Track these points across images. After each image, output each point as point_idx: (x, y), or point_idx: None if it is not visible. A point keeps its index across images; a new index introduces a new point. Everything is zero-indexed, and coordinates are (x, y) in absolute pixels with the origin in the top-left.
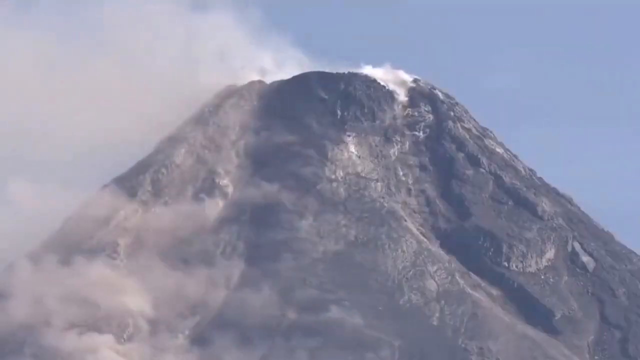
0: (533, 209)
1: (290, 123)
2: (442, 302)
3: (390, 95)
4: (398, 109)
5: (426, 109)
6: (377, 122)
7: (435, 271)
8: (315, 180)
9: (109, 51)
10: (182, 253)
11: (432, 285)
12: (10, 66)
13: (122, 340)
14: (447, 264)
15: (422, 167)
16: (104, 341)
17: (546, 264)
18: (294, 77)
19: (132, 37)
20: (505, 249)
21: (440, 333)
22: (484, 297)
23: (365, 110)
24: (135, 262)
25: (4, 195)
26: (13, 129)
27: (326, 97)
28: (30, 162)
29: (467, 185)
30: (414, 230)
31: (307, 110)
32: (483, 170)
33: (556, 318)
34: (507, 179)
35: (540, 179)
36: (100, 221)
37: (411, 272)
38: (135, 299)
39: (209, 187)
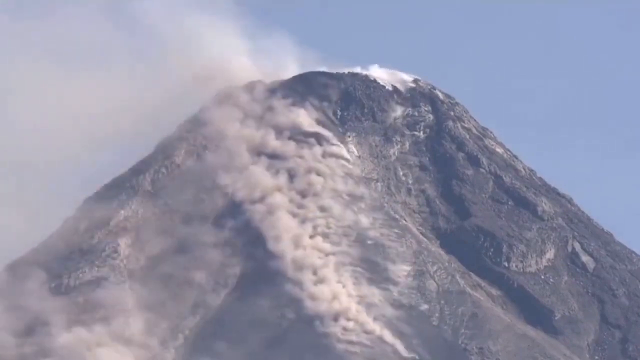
0: (533, 209)
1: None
2: (442, 302)
3: (390, 95)
4: (398, 109)
5: (426, 109)
6: (377, 122)
7: (435, 271)
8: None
9: (108, 52)
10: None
11: (432, 285)
12: (11, 67)
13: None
14: (447, 264)
15: (422, 167)
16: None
17: (546, 264)
18: (294, 77)
19: (131, 38)
20: (505, 249)
21: (440, 333)
22: (484, 297)
23: (365, 110)
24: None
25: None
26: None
27: (326, 97)
28: (30, 163)
29: (467, 185)
30: (414, 230)
31: (307, 110)
32: (483, 170)
33: (556, 318)
34: (507, 179)
35: (540, 179)
36: (100, 221)
37: (411, 272)
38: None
39: (209, 187)
